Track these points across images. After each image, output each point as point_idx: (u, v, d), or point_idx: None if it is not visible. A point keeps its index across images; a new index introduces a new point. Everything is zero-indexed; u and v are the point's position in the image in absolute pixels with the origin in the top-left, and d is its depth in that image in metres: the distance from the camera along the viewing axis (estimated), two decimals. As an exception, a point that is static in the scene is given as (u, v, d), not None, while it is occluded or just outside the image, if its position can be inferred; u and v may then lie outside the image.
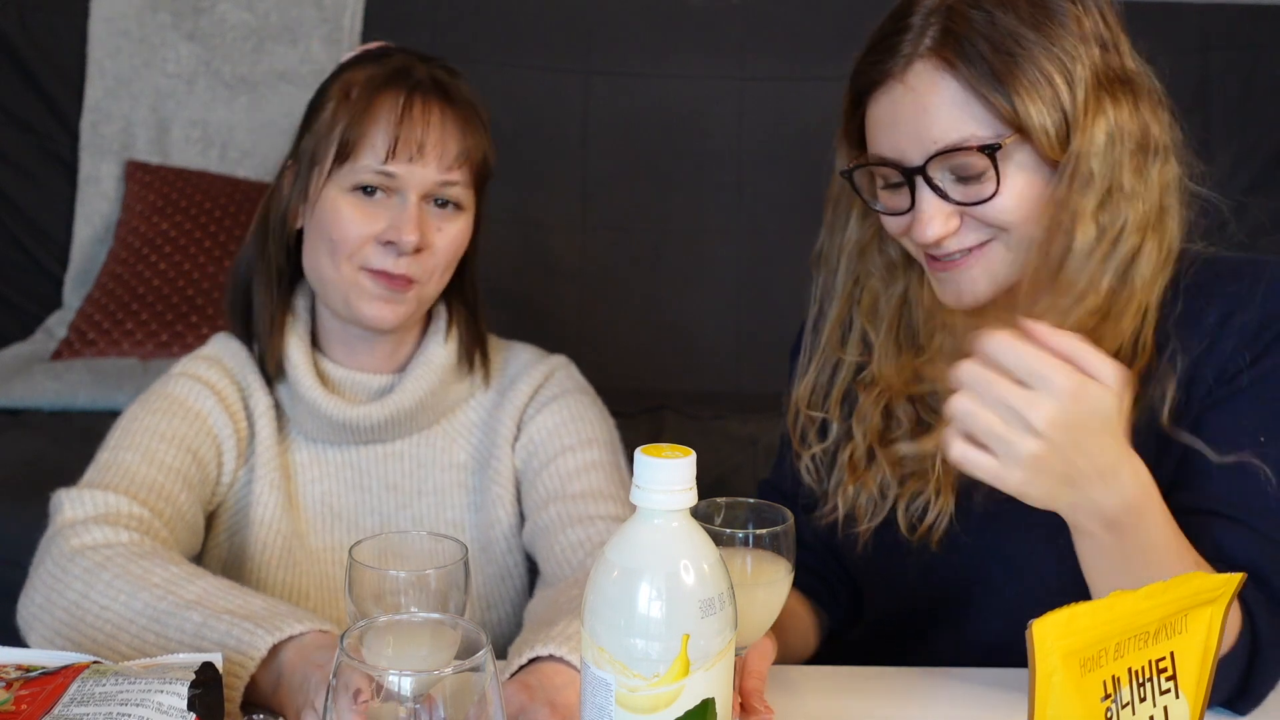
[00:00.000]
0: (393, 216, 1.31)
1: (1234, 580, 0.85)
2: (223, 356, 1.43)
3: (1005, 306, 1.18)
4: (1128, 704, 0.80)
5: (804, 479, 1.31)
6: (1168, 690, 0.84)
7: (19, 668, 0.98)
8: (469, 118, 1.34)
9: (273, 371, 1.40)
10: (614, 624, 0.80)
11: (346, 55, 1.42)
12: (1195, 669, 0.85)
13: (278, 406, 1.42)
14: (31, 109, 2.89)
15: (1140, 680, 0.81)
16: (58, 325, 2.72)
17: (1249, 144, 2.79)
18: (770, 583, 1.00)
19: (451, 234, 1.34)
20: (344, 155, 1.31)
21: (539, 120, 2.84)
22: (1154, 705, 0.83)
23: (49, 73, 2.89)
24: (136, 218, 2.73)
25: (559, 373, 1.48)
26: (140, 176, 2.79)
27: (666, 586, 0.80)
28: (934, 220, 1.10)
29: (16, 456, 2.27)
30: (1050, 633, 0.75)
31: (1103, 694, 0.79)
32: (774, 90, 2.80)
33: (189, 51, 2.87)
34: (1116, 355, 1.10)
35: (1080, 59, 1.10)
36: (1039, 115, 1.09)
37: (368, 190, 1.31)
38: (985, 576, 1.21)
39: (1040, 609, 1.16)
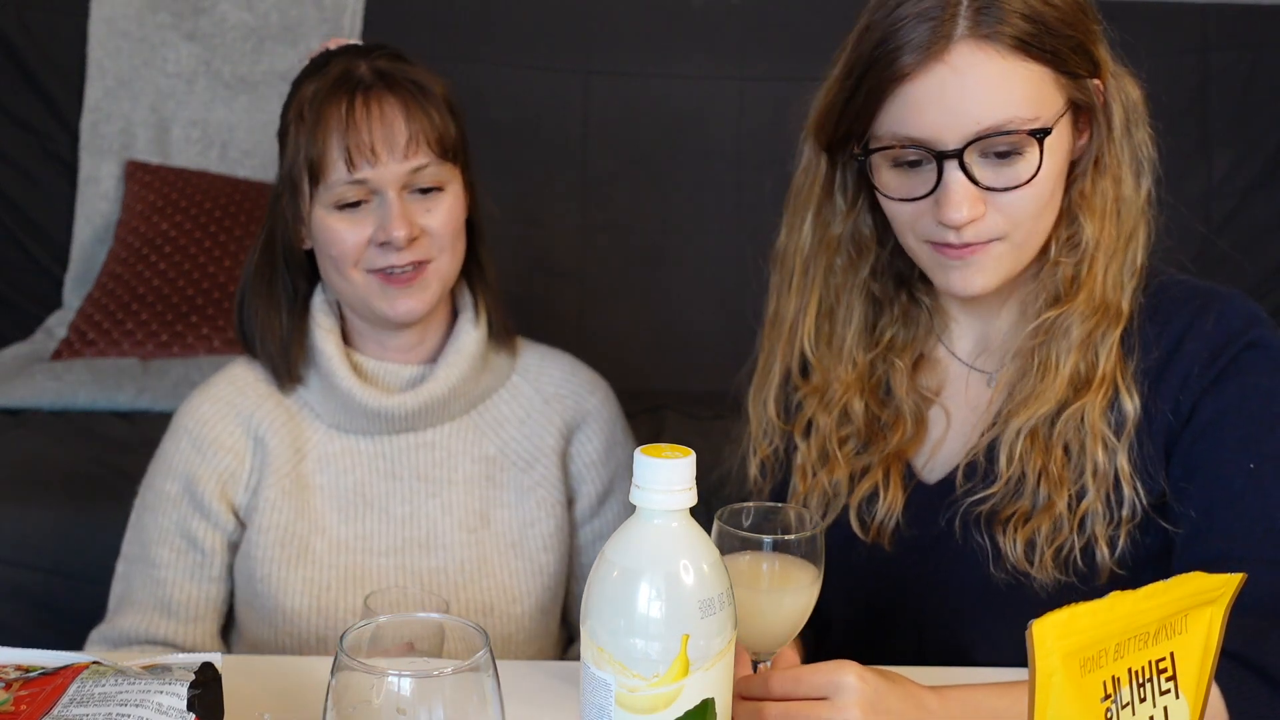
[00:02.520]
0: (378, 217, 1.34)
1: (1234, 580, 0.85)
2: (221, 395, 1.45)
3: (998, 295, 1.21)
4: (1128, 704, 0.80)
5: (753, 475, 1.33)
6: (1168, 691, 0.83)
7: (18, 668, 0.98)
8: (412, 98, 1.35)
9: (294, 381, 1.44)
10: (613, 624, 0.80)
11: (305, 63, 1.43)
12: (1195, 669, 0.85)
13: (290, 410, 1.44)
14: (31, 109, 2.89)
15: (1140, 681, 0.81)
16: (58, 325, 2.72)
17: (1249, 144, 2.79)
18: (798, 589, 1.00)
19: (441, 212, 1.37)
20: (314, 177, 1.34)
21: (539, 120, 2.84)
22: (1154, 706, 0.82)
23: (49, 73, 2.89)
24: (136, 218, 2.73)
25: (600, 392, 1.54)
26: (140, 176, 2.79)
27: (666, 586, 0.80)
28: (963, 204, 1.08)
29: (16, 456, 2.27)
30: (1050, 633, 0.75)
31: (1102, 694, 0.78)
32: (774, 90, 2.79)
33: (189, 51, 2.87)
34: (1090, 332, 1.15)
35: (1100, 37, 1.13)
36: (1083, 93, 1.12)
37: (351, 204, 1.35)
38: (937, 575, 1.22)
39: (987, 611, 1.17)
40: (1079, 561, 1.14)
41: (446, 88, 1.40)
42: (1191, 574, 0.83)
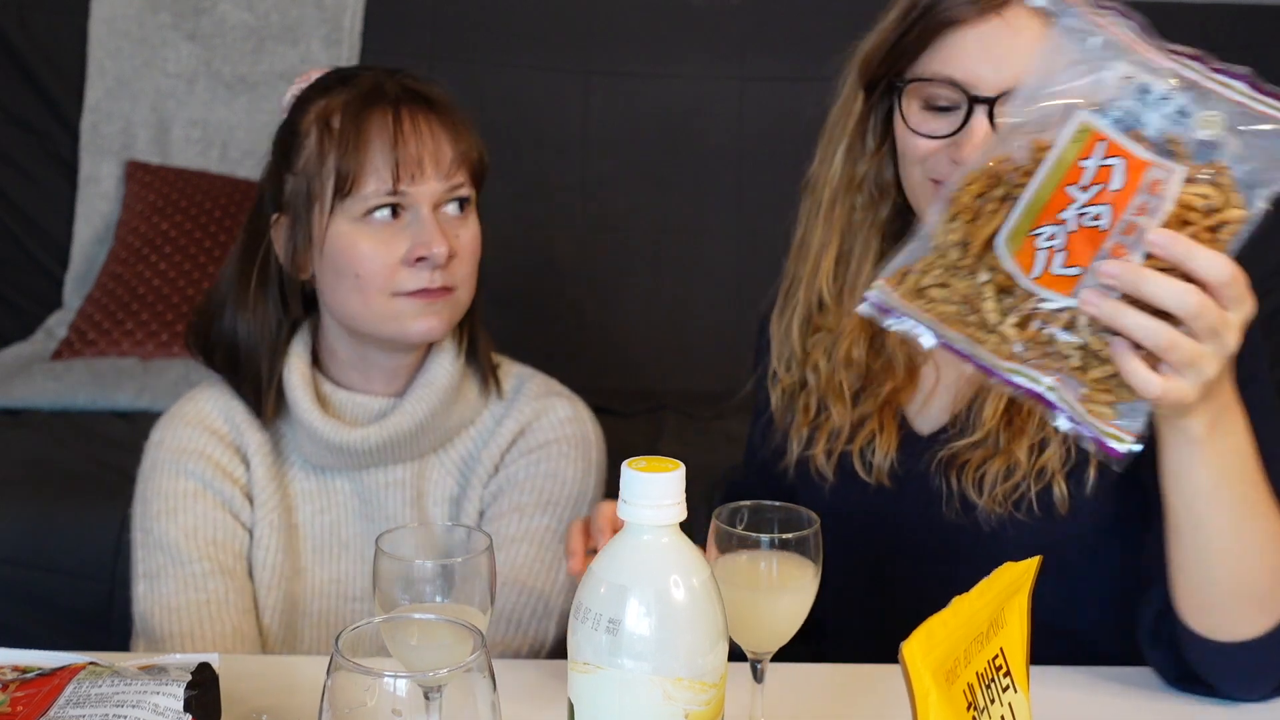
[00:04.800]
0: (413, 234, 1.28)
1: (1032, 565, 0.84)
2: (204, 414, 1.40)
3: None
4: (984, 709, 0.79)
5: (774, 406, 1.35)
6: (1007, 687, 0.82)
7: (15, 669, 0.98)
8: (456, 120, 1.32)
9: (269, 415, 1.38)
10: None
11: (296, 86, 1.36)
12: (1021, 660, 0.84)
13: (272, 440, 1.40)
14: (31, 109, 2.89)
15: (985, 683, 0.80)
16: (58, 325, 2.72)
17: (1249, 144, 2.79)
18: (796, 587, 0.99)
19: (470, 234, 1.33)
20: (344, 188, 1.27)
21: (539, 120, 2.84)
22: (1002, 705, 0.81)
23: (49, 73, 2.89)
24: (136, 218, 2.73)
25: (548, 417, 1.42)
26: (140, 176, 2.79)
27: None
28: (981, 147, 1.12)
29: (16, 456, 2.27)
30: (918, 651, 0.73)
31: (966, 704, 0.77)
32: (774, 90, 2.80)
33: (189, 51, 2.87)
34: None
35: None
36: None
37: (390, 211, 1.28)
38: (933, 522, 1.24)
39: (983, 542, 1.18)
40: (1034, 503, 1.19)
41: (468, 112, 1.36)
42: (1005, 565, 0.83)
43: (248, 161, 2.85)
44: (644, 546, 0.80)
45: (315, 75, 1.37)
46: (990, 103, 1.13)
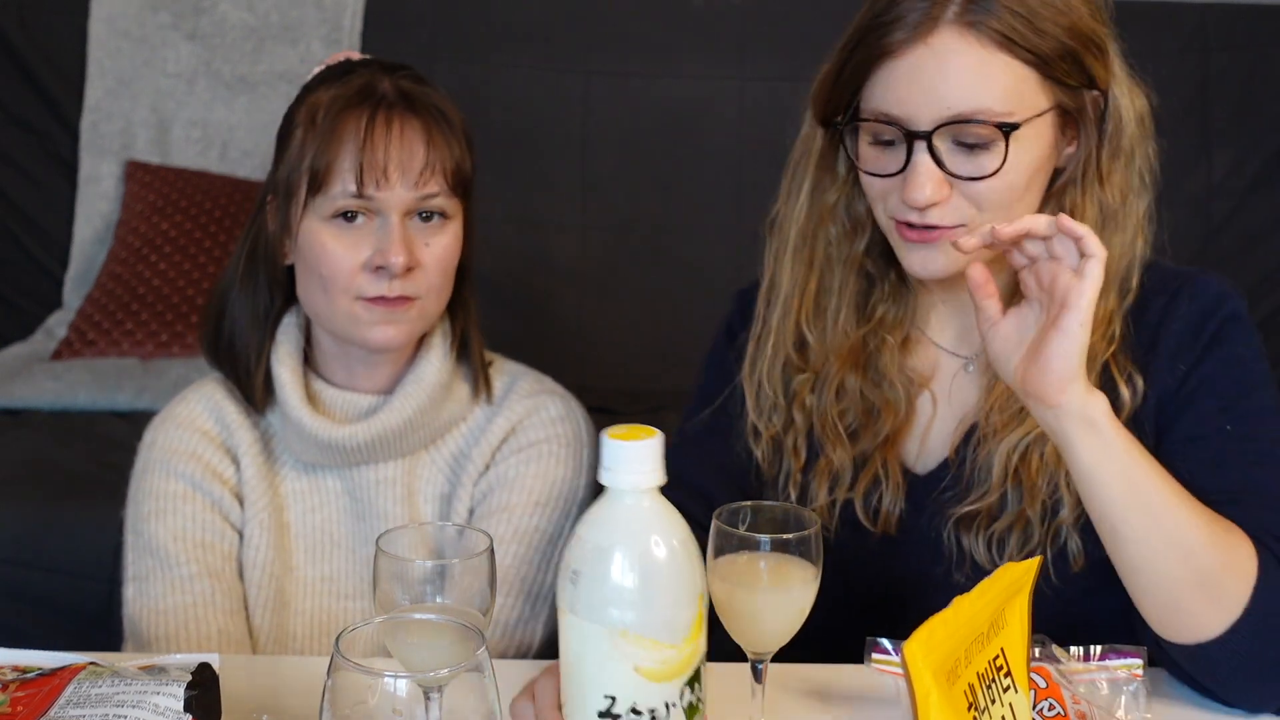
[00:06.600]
0: (377, 240, 1.28)
1: (1033, 565, 0.85)
2: (195, 415, 1.41)
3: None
4: (985, 709, 0.79)
5: (758, 458, 1.30)
6: (1008, 687, 0.82)
7: (15, 669, 0.98)
8: (435, 125, 1.30)
9: (259, 402, 1.39)
10: (637, 603, 0.81)
11: (313, 72, 1.38)
12: (1021, 659, 0.84)
13: (263, 439, 1.40)
14: (31, 109, 2.89)
15: (986, 683, 0.80)
16: (58, 325, 2.72)
17: (1249, 144, 2.79)
18: (796, 588, 0.99)
19: (440, 247, 1.31)
20: (316, 185, 1.28)
21: (539, 120, 2.84)
22: (1003, 705, 0.81)
23: (49, 73, 2.89)
24: (136, 218, 2.73)
25: (539, 415, 1.42)
26: (140, 176, 2.79)
27: (673, 556, 0.82)
28: (926, 184, 1.10)
29: (16, 456, 2.27)
30: (919, 651, 0.74)
31: (967, 704, 0.77)
32: (774, 90, 2.79)
33: (189, 51, 2.87)
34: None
35: (1103, 34, 1.14)
36: (1063, 95, 1.12)
37: (348, 216, 1.28)
38: (938, 571, 1.22)
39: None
40: (1050, 568, 1.16)
41: (464, 119, 1.34)
42: (1006, 565, 0.84)
43: (248, 161, 2.85)
44: (625, 510, 0.84)
45: (336, 60, 1.38)
46: (927, 137, 1.09)
